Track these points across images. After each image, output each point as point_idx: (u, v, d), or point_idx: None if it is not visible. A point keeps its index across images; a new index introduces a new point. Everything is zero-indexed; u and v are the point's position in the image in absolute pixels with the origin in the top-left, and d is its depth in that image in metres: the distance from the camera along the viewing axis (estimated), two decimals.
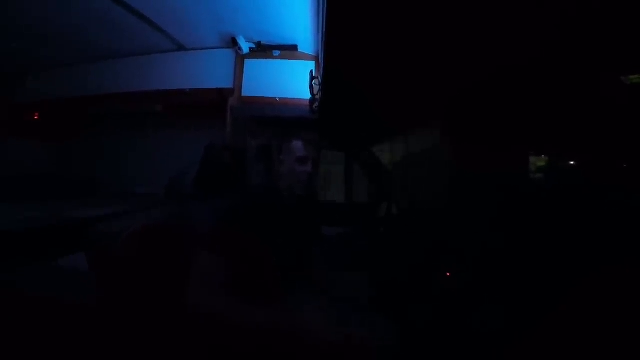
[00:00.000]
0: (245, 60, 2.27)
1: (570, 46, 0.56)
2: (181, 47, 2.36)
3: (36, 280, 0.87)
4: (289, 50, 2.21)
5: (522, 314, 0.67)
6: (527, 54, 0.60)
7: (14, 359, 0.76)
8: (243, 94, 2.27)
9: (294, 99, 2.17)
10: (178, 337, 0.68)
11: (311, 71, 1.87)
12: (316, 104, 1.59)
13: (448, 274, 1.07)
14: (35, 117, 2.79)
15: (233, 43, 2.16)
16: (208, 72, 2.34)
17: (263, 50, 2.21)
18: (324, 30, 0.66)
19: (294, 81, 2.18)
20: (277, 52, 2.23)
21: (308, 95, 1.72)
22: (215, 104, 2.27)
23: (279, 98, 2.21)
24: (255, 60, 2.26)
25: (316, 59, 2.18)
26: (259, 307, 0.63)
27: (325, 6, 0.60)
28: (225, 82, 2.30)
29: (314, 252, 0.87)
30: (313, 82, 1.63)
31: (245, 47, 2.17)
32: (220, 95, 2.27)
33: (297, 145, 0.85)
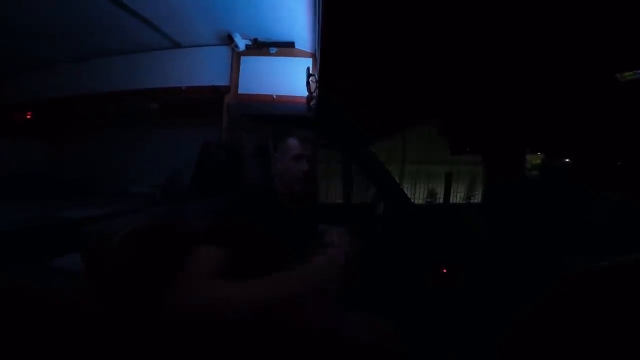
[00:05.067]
0: (242, 57, 2.26)
1: (564, 44, 0.56)
2: (177, 45, 2.34)
3: (30, 279, 0.86)
4: (286, 47, 2.20)
5: (516, 310, 0.68)
6: (526, 54, 0.60)
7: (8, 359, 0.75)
8: (239, 92, 2.26)
9: (291, 96, 2.16)
10: (176, 335, 0.68)
11: (308, 68, 1.86)
12: (313, 101, 1.59)
13: (444, 270, 1.08)
14: (28, 117, 2.76)
15: (229, 40, 2.14)
16: (204, 69, 2.33)
17: (259, 47, 2.20)
18: (321, 27, 0.65)
19: (291, 78, 2.17)
20: (273, 49, 2.21)
21: (305, 93, 1.71)
22: (211, 102, 2.26)
23: (276, 95, 2.20)
24: (252, 57, 2.25)
25: (313, 56, 2.17)
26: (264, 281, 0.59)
27: (322, 3, 0.59)
28: (222, 80, 2.28)
29: (310, 251, 0.87)
30: (310, 79, 1.62)
31: (241, 44, 2.16)
32: (217, 93, 2.26)
33: (293, 142, 0.84)
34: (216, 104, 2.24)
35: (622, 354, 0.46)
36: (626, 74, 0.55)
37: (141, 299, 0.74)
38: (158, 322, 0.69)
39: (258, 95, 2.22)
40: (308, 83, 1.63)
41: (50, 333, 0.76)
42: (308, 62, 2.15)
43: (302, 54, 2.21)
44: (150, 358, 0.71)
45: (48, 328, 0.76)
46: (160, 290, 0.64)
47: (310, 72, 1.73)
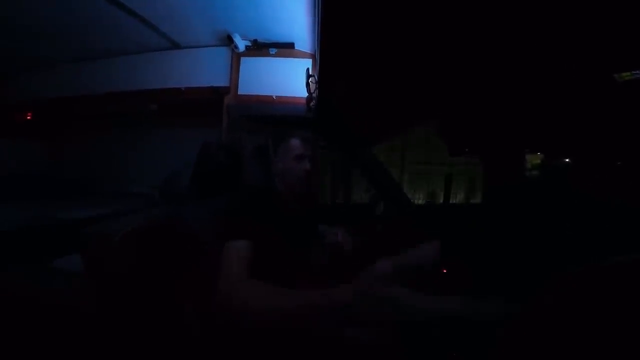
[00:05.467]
0: (242, 58, 2.26)
1: (562, 45, 0.56)
2: (176, 45, 2.34)
3: (30, 280, 0.86)
4: (286, 48, 2.20)
5: (516, 311, 0.68)
6: (525, 54, 0.61)
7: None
8: (239, 92, 2.26)
9: (290, 97, 2.16)
10: (176, 336, 0.68)
11: (307, 69, 1.86)
12: (313, 102, 1.59)
13: (444, 271, 1.08)
14: (28, 117, 2.76)
15: (229, 41, 2.14)
16: (204, 70, 2.33)
17: (259, 48, 2.20)
18: (320, 28, 0.66)
19: (290, 79, 2.17)
20: (273, 50, 2.22)
21: (305, 94, 1.71)
22: (211, 103, 2.26)
23: (276, 96, 2.20)
24: (252, 58, 2.25)
25: (313, 56, 2.17)
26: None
27: (321, 4, 0.60)
28: (221, 81, 2.28)
29: (311, 252, 0.87)
30: (309, 80, 1.62)
31: (241, 45, 2.16)
32: (216, 94, 2.26)
33: (295, 142, 0.85)
34: (216, 105, 2.24)
35: (621, 355, 0.46)
36: (624, 74, 0.55)
37: (139, 299, 0.74)
38: (156, 322, 0.69)
39: (258, 96, 2.22)
40: (308, 84, 1.63)
41: (50, 334, 0.76)
42: (308, 63, 2.15)
43: (301, 54, 2.21)
44: (150, 358, 0.71)
45: (48, 329, 0.76)
46: (158, 291, 0.63)
47: (310, 73, 1.73)
